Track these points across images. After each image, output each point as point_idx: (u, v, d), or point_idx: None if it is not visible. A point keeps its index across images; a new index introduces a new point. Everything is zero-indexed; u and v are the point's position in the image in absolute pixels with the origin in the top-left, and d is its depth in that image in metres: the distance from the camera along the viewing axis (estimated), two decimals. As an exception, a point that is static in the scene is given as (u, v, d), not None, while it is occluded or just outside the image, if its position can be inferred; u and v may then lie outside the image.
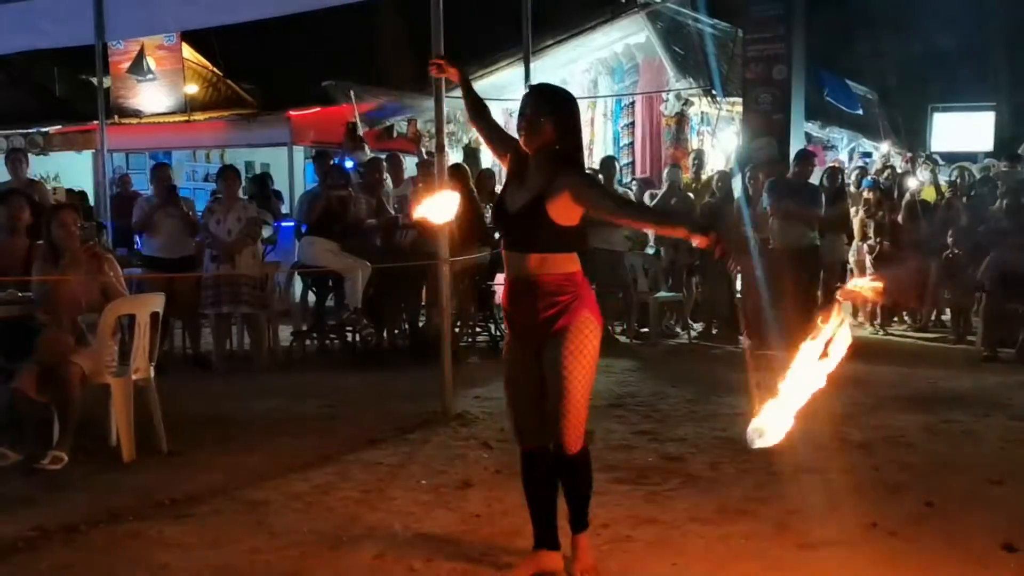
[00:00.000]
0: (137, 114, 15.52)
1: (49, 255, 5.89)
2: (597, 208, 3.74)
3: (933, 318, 11.53)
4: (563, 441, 3.70)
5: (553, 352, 3.68)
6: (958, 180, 12.84)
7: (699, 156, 12.84)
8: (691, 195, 11.03)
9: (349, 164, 10.88)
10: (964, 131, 17.79)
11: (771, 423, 3.47)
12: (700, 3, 15.36)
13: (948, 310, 11.34)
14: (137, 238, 9.57)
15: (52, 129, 15.49)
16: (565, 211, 3.64)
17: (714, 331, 10.75)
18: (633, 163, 15.18)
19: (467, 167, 10.22)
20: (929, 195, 12.32)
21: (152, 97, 15.62)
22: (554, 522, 3.92)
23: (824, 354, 3.59)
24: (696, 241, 3.53)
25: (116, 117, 14.66)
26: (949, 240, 10.17)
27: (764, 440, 3.48)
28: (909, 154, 17.05)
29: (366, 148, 11.70)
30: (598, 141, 15.54)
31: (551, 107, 3.69)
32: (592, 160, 13.94)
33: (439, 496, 5.05)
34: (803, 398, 3.47)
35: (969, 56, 23.66)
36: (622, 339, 10.37)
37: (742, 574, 3.95)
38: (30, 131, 15.35)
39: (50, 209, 6.32)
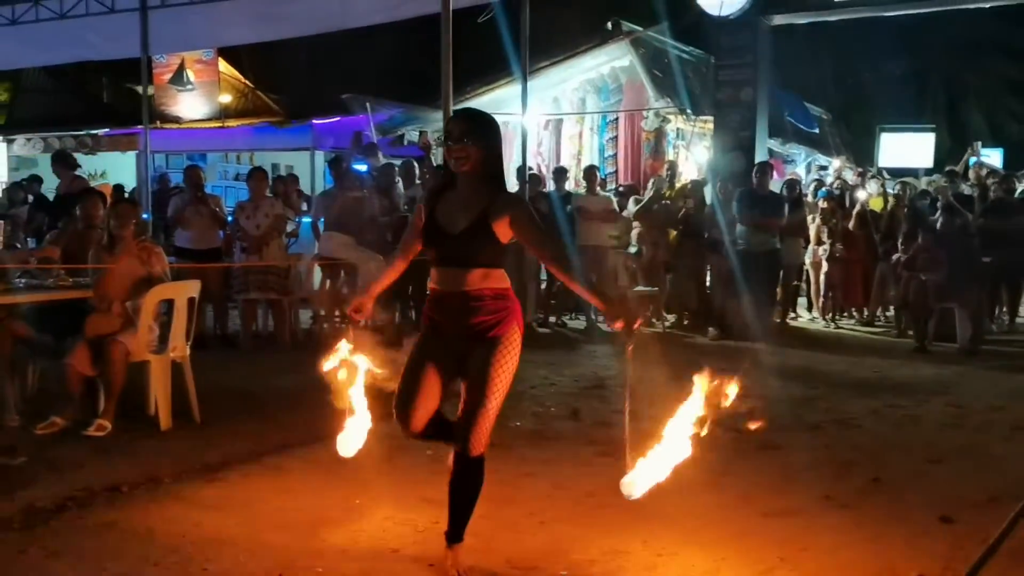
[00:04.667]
0: (177, 120, 15.48)
1: (105, 243, 5.84)
2: (531, 245, 3.52)
3: (879, 314, 11.52)
4: (470, 441, 3.50)
5: (482, 359, 3.44)
6: (901, 193, 12.84)
7: (673, 167, 12.82)
8: (668, 201, 11.00)
9: (363, 168, 10.82)
10: (908, 149, 17.69)
11: (642, 478, 3.44)
12: (667, 29, 15.28)
13: (892, 307, 11.33)
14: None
15: (101, 132, 15.43)
16: (506, 231, 3.47)
17: (685, 322, 10.74)
18: (617, 172, 15.19)
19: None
20: (877, 205, 12.32)
21: (191, 105, 15.59)
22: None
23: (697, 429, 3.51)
24: (605, 315, 3.52)
25: (158, 122, 14.61)
26: (900, 246, 10.14)
27: (635, 491, 3.43)
28: (859, 169, 17.02)
29: (379, 155, 11.65)
30: (586, 152, 15.54)
31: (477, 132, 3.48)
32: (578, 168, 13.93)
33: (442, 464, 4.99)
34: (671, 461, 3.45)
35: (912, 83, 23.73)
36: (603, 327, 10.34)
37: (710, 538, 3.95)
38: (81, 133, 15.30)
39: (111, 203, 6.27)
